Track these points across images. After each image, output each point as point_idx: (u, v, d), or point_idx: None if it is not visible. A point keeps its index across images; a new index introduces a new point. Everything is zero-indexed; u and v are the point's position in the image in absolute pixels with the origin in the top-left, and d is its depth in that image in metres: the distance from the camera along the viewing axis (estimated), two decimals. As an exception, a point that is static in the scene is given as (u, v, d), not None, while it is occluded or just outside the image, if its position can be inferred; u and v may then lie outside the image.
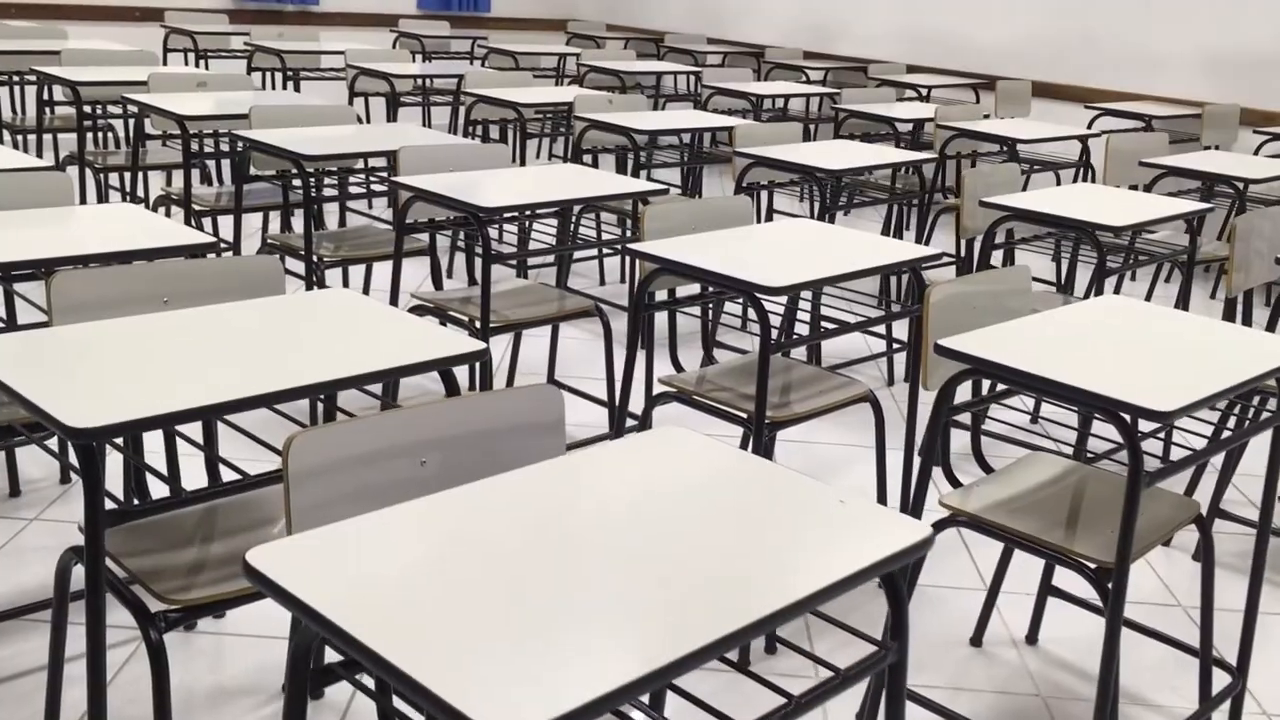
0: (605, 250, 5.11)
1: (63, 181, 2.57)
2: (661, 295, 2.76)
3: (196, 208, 3.90)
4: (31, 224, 2.32)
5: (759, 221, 3.50)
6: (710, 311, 3.43)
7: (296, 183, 3.81)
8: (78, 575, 1.61)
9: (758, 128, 4.14)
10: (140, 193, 4.91)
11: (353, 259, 3.57)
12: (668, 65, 6.75)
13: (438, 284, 3.32)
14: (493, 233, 5.34)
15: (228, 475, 2.41)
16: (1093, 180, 5.71)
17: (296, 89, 6.20)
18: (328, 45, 6.44)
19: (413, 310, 3.12)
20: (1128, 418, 1.79)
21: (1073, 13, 6.52)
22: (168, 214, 4.25)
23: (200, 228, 3.99)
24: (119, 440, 2.06)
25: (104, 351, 1.65)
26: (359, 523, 1.20)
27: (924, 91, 6.69)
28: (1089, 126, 5.91)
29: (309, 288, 3.45)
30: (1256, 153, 5.55)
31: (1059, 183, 6.03)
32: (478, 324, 2.98)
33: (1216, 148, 5.84)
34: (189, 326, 1.78)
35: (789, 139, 4.23)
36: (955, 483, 2.23)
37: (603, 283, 5.24)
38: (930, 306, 2.14)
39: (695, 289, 2.78)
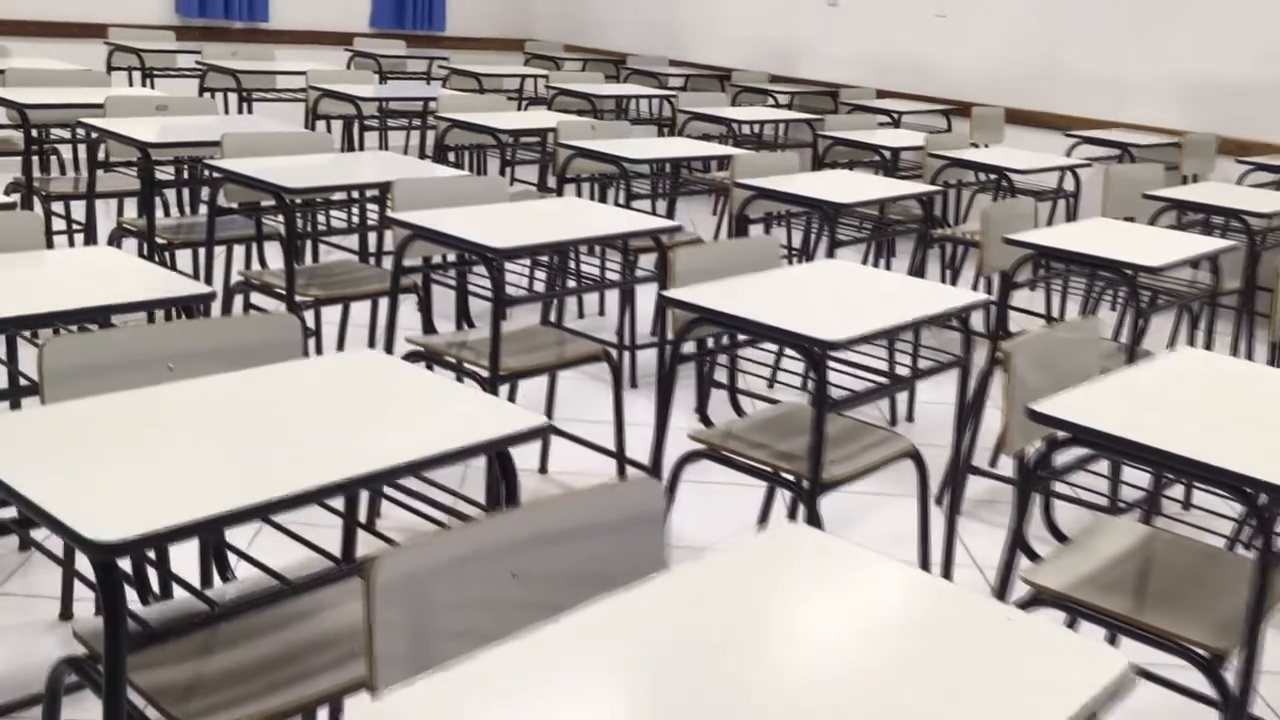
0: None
1: (31, 222, 2.30)
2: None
3: (160, 241, 3.63)
4: (3, 273, 2.06)
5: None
6: (734, 359, 3.24)
7: (268, 216, 3.56)
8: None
9: (757, 158, 3.96)
10: (83, 221, 4.60)
11: (336, 298, 3.32)
12: (639, 89, 6.57)
13: (429, 326, 3.10)
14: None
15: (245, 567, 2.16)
16: (1073, 210, 5.63)
17: (249, 110, 5.91)
18: (283, 65, 6.17)
19: (408, 357, 2.89)
20: (1252, 492, 1.63)
21: (1043, 38, 6.46)
22: (118, 246, 3.96)
23: (162, 262, 3.72)
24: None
25: (112, 436, 1.41)
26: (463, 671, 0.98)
27: (895, 117, 6.58)
28: (1068, 154, 5.83)
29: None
30: (1239, 182, 5.50)
31: (1051, 213, 5.96)
32: (482, 372, 2.75)
33: (1196, 177, 5.80)
34: (207, 400, 1.54)
35: (785, 169, 4.06)
36: (1031, 554, 2.05)
37: (602, 312, 5.04)
38: (1013, 364, 1.96)
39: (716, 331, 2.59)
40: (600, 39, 9.05)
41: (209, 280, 3.44)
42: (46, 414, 1.47)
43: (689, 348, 2.47)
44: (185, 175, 4.20)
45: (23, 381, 2.16)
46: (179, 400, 1.54)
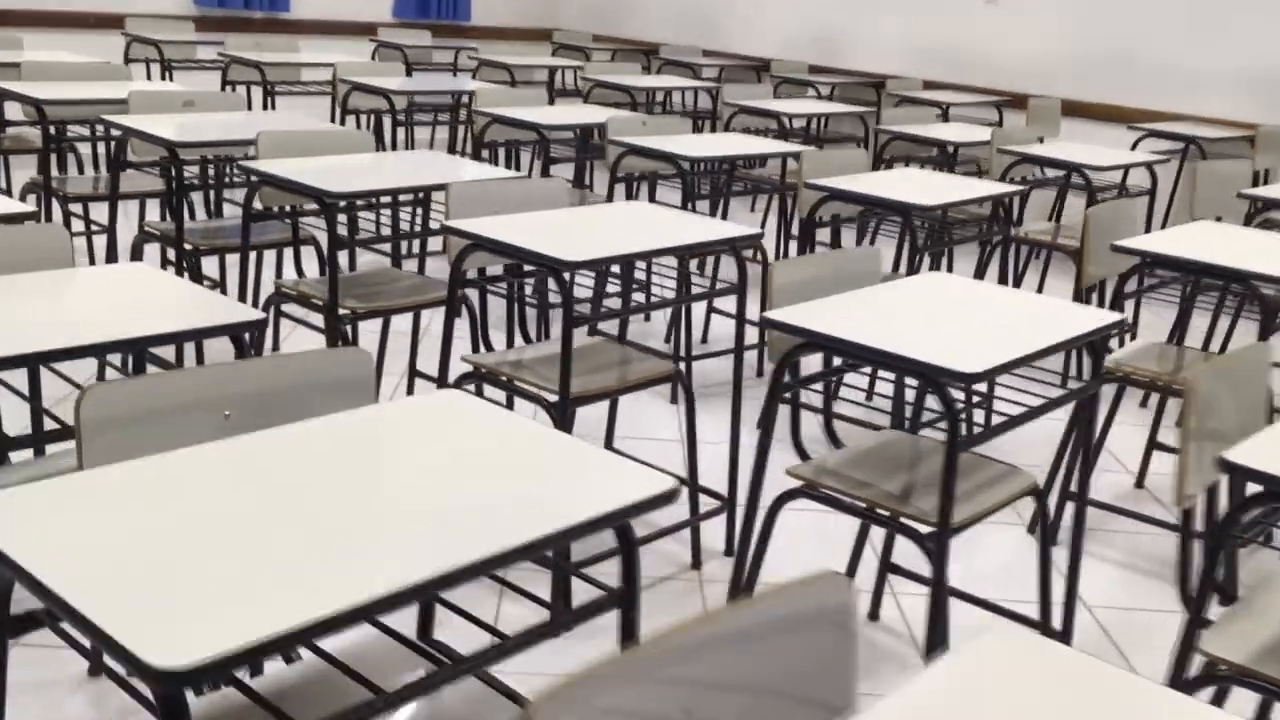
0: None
1: (57, 237, 2.05)
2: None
3: (189, 246, 3.38)
4: (27, 296, 1.81)
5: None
6: (834, 385, 2.98)
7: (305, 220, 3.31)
8: None
9: (825, 155, 3.70)
10: (103, 223, 4.35)
11: (380, 311, 3.07)
12: (679, 80, 6.29)
13: (485, 343, 2.84)
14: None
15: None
16: (1151, 209, 5.36)
17: (273, 104, 5.66)
18: (307, 56, 5.91)
19: (465, 378, 2.64)
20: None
21: (1101, 26, 6.17)
22: (141, 251, 3.72)
23: (191, 269, 3.47)
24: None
25: (168, 514, 1.16)
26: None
27: (944, 108, 6.29)
28: (1132, 148, 5.55)
29: (331, 343, 2.94)
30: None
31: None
32: (548, 396, 2.50)
33: (1269, 172, 5.51)
34: (274, 461, 1.29)
35: (854, 167, 3.80)
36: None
37: (647, 318, 4.78)
38: (1197, 395, 1.70)
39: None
40: (630, 28, 8.77)
41: (243, 290, 3.19)
42: (86, 485, 1.21)
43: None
44: (212, 175, 3.95)
45: (47, 423, 1.92)
46: (242, 459, 1.28)
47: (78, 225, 4.54)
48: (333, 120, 6.28)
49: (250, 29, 7.55)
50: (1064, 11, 6.30)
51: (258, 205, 3.14)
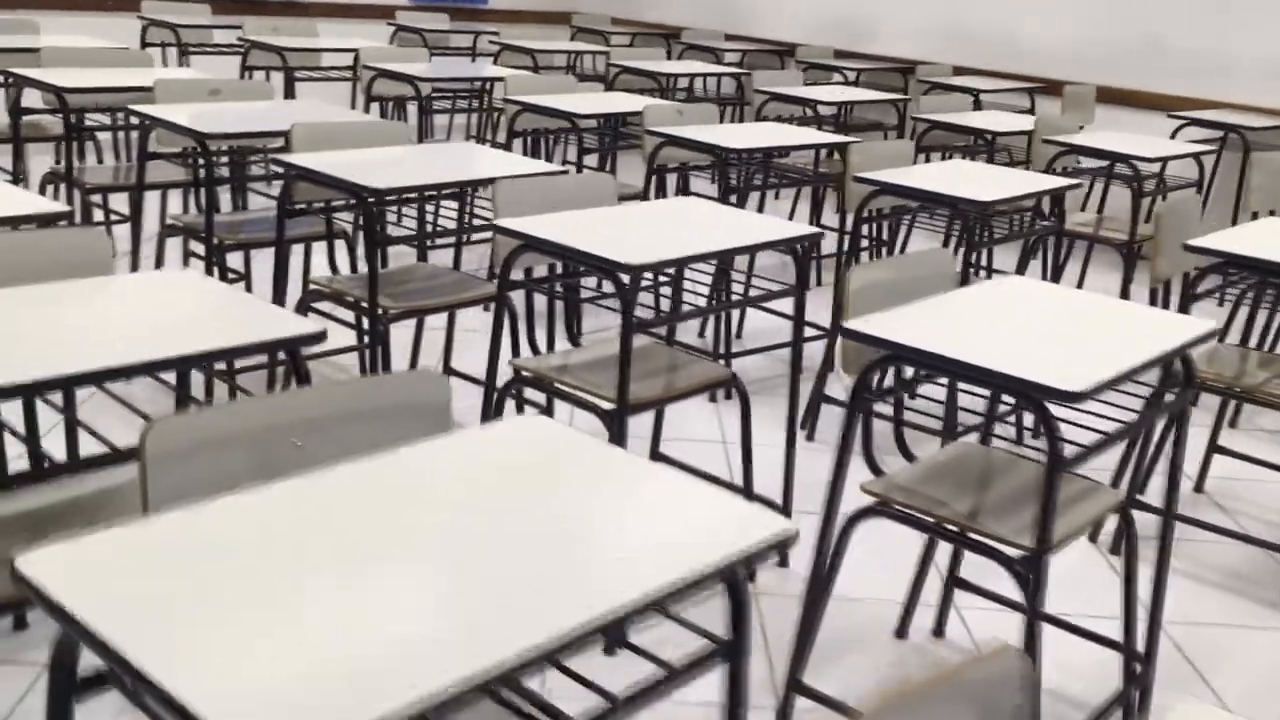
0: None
1: (96, 241, 1.94)
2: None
3: (215, 240, 3.27)
4: (69, 307, 1.70)
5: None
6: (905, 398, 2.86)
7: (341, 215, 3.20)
8: None
9: (873, 147, 3.58)
10: (124, 213, 4.23)
11: (417, 311, 2.96)
12: (705, 66, 6.16)
13: (530, 345, 2.74)
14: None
15: None
16: (1205, 202, 5.22)
17: (292, 91, 5.53)
18: (328, 41, 5.78)
19: (513, 383, 2.53)
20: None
21: (1137, 11, 6.03)
22: (163, 244, 3.61)
23: (221, 265, 3.36)
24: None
25: (244, 563, 1.05)
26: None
27: (975, 95, 6.16)
28: (1172, 137, 5.42)
29: (372, 349, 2.84)
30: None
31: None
32: (603, 404, 2.39)
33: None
34: (357, 499, 1.18)
35: (902, 159, 3.68)
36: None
37: (701, 333, 4.66)
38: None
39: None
40: (649, 12, 8.63)
41: (279, 290, 3.07)
42: (154, 532, 1.11)
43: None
44: (237, 167, 3.83)
45: (97, 448, 1.82)
46: (321, 498, 1.18)
47: (98, 215, 4.43)
48: (353, 106, 6.17)
49: (265, 12, 7.41)
50: (1100, -4, 6.16)
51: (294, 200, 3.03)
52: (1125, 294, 4.49)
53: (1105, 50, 6.18)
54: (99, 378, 1.48)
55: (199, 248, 3.63)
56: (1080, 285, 4.65)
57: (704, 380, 2.60)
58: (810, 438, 3.58)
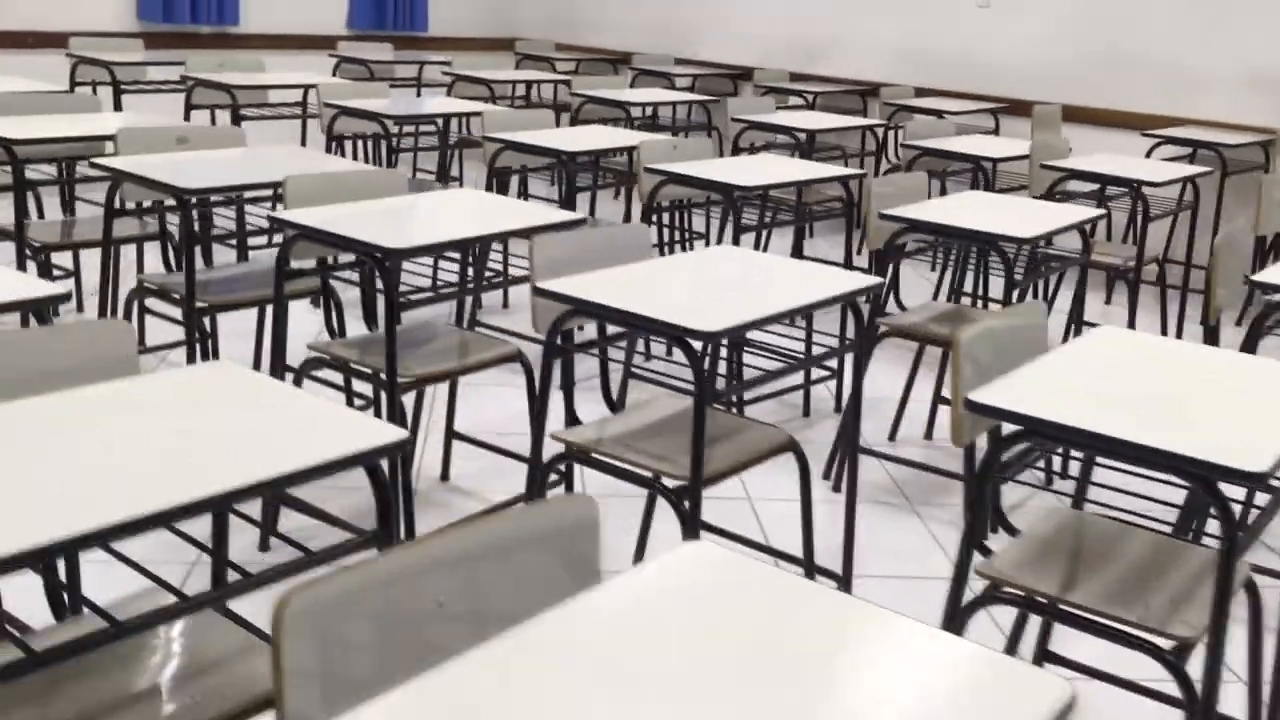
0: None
1: (121, 335, 1.67)
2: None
3: (201, 304, 2.98)
4: (104, 424, 1.43)
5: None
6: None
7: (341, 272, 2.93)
8: None
9: (894, 182, 3.42)
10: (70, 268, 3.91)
11: (443, 376, 2.71)
12: (673, 94, 5.97)
13: (569, 411, 2.51)
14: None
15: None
16: (1195, 224, 5.19)
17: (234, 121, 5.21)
18: (275, 76, 5.48)
19: (565, 456, 2.30)
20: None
21: (1100, 28, 5.99)
22: (138, 306, 3.30)
23: (201, 331, 3.07)
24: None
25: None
26: None
27: (940, 116, 6.06)
28: (1147, 156, 5.37)
29: (392, 414, 2.58)
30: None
31: (1172, 228, 5.55)
32: (669, 480, 2.17)
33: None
34: (546, 663, 0.95)
35: (918, 194, 3.52)
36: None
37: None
38: None
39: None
40: (593, 37, 8.44)
41: (278, 364, 2.80)
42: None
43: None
44: (205, 220, 3.54)
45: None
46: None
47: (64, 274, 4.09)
48: (303, 143, 5.87)
49: (198, 45, 7.07)
50: (1058, 13, 6.11)
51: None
52: (1165, 329, 4.40)
53: (1067, 68, 6.13)
54: (164, 519, 1.23)
55: (167, 309, 3.35)
56: (1081, 315, 4.54)
57: (768, 447, 2.39)
58: (836, 489, 3.40)
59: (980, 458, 1.91)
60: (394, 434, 1.44)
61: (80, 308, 4.43)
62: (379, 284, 2.80)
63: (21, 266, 3.53)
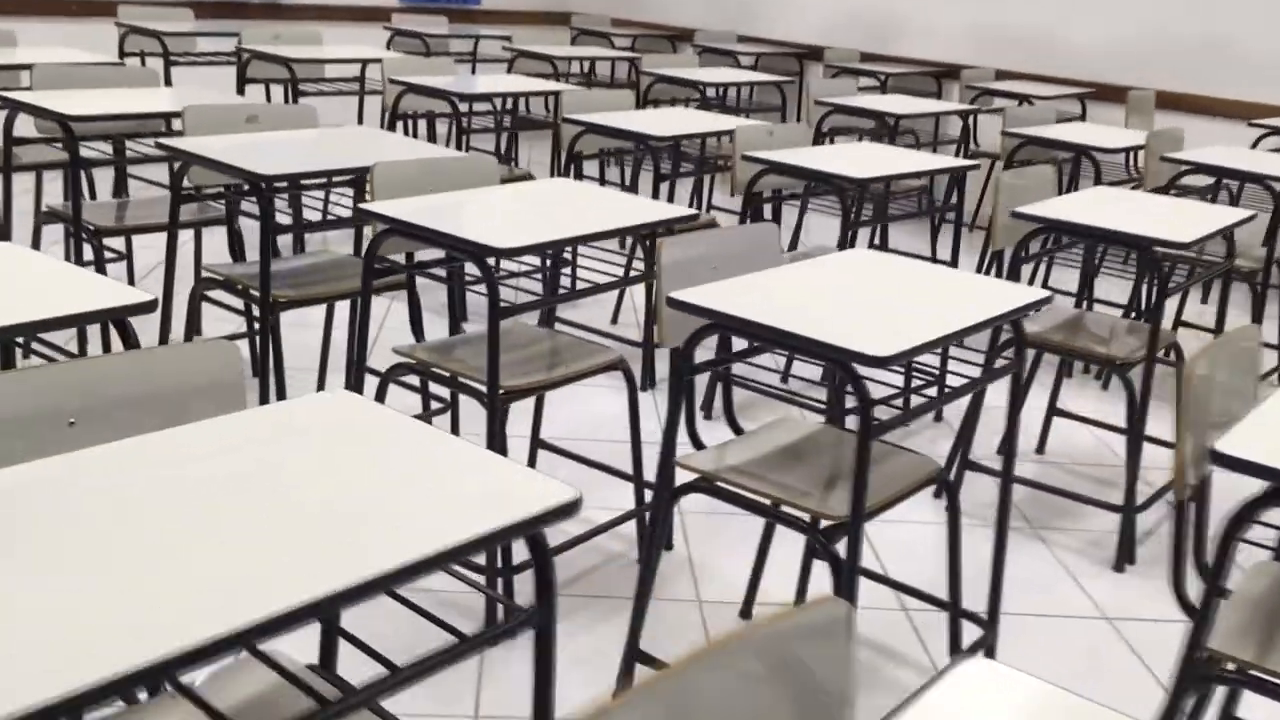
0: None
1: (228, 357, 1.43)
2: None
3: (280, 298, 2.74)
4: (216, 463, 1.19)
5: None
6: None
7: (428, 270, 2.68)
8: None
9: (1020, 176, 3.14)
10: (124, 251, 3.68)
11: (537, 388, 2.46)
12: (748, 75, 5.68)
13: (690, 431, 2.27)
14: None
15: None
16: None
17: (292, 98, 4.96)
18: (333, 50, 5.23)
19: (688, 487, 2.05)
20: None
21: (1197, 10, 5.65)
22: (201, 301, 3.07)
23: (264, 334, 2.83)
24: None
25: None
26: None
27: (1019, 102, 5.75)
28: (1252, 146, 5.05)
29: (492, 430, 2.33)
30: None
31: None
32: (826, 520, 1.92)
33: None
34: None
35: (1046, 191, 3.24)
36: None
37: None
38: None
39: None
40: (650, 11, 8.14)
41: (360, 365, 2.56)
42: None
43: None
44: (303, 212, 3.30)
45: None
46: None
47: (117, 271, 3.86)
48: (361, 121, 5.63)
49: (247, 15, 6.83)
50: (1157, -5, 5.78)
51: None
52: None
53: (1158, 51, 5.80)
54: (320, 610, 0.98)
55: (232, 300, 3.12)
56: (1223, 328, 4.25)
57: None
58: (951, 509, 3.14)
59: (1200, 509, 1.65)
60: (562, 494, 1.19)
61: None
62: (470, 284, 2.53)
63: (78, 251, 3.30)
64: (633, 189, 3.86)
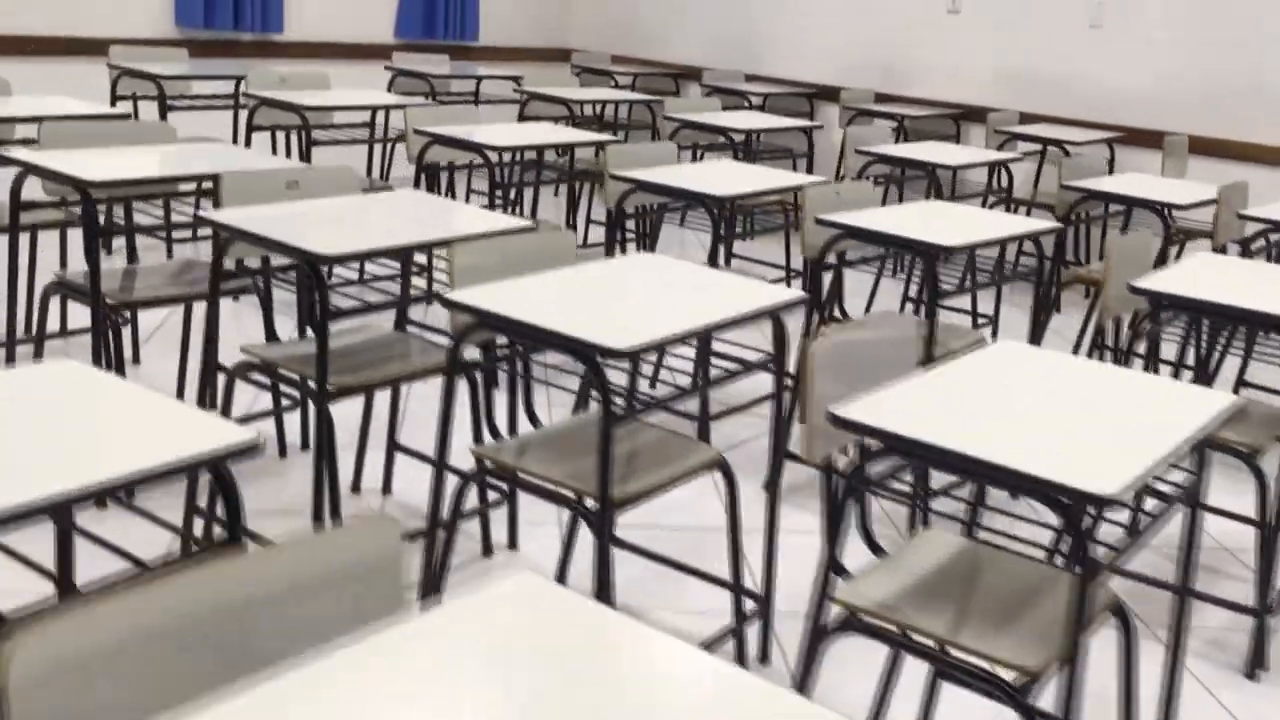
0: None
1: (393, 533, 1.16)
2: None
3: (332, 388, 2.46)
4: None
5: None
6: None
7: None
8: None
9: (1134, 242, 2.93)
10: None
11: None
12: (775, 120, 5.45)
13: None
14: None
15: None
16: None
17: (307, 156, 4.67)
18: (343, 95, 4.95)
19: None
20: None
21: (1224, 53, 5.51)
22: (238, 381, 2.79)
23: (326, 411, 2.55)
24: None
25: None
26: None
27: (1065, 148, 5.57)
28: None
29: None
30: None
31: None
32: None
33: None
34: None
35: (1144, 255, 3.03)
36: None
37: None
38: None
39: None
40: (650, 49, 7.93)
41: (445, 456, 2.28)
42: None
43: None
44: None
45: None
46: None
47: (159, 365, 3.56)
48: (371, 173, 5.37)
49: (239, 53, 6.54)
50: (1188, 36, 5.63)
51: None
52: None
53: (1189, 94, 5.65)
54: None
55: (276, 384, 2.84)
56: None
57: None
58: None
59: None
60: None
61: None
62: (582, 386, 2.28)
63: (98, 330, 3.00)
64: (713, 259, 3.54)
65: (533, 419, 2.51)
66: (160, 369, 3.83)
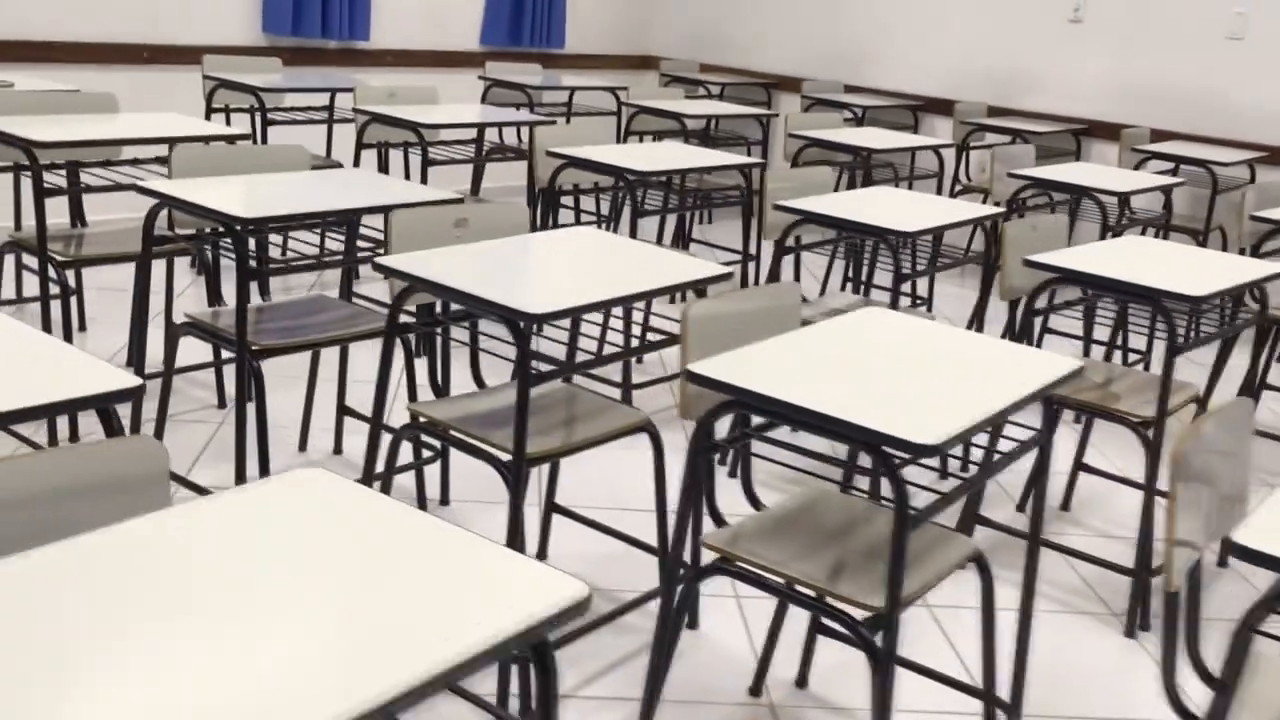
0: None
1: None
2: None
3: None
4: None
5: None
6: None
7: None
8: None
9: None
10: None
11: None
12: (911, 139, 5.13)
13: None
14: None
15: None
16: None
17: (425, 177, 4.37)
18: (451, 113, 4.66)
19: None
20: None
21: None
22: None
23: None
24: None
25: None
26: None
27: (1206, 170, 5.23)
28: None
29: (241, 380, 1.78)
30: None
31: None
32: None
33: None
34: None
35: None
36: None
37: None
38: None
39: None
40: (738, 57, 7.62)
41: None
42: None
43: None
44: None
45: None
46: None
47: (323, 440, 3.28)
48: (474, 191, 5.11)
49: (324, 61, 6.29)
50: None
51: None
52: None
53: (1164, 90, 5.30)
54: None
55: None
56: None
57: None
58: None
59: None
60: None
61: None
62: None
63: (243, 382, 2.72)
64: (895, 293, 3.30)
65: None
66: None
